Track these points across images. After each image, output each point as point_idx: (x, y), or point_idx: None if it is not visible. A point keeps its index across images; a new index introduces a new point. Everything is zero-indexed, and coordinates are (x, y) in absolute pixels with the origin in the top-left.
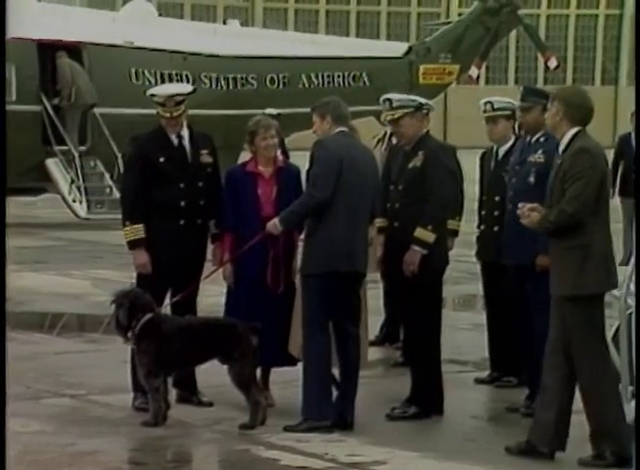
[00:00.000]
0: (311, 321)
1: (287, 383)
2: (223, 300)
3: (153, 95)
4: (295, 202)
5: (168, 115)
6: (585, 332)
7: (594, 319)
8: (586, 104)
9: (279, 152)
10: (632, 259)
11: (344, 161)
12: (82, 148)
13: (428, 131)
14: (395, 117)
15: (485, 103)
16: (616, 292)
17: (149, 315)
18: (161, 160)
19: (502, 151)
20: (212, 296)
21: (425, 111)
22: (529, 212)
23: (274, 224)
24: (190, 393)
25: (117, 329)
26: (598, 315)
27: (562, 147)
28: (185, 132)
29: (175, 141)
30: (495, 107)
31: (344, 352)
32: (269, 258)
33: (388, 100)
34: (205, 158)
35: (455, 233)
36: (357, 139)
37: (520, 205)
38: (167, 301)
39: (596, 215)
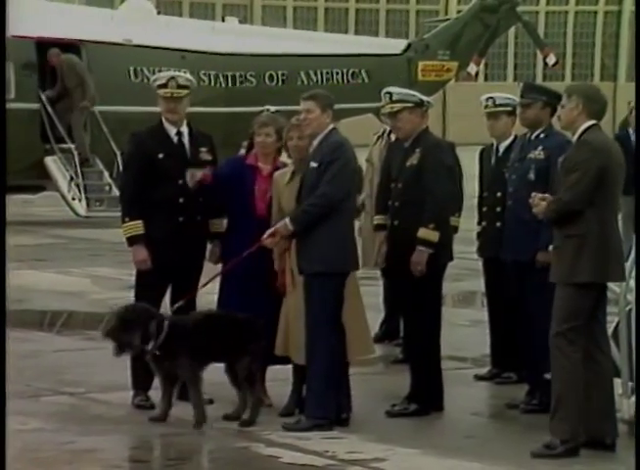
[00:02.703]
0: (324, 320)
1: (286, 381)
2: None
3: (156, 79)
4: (306, 202)
5: (169, 94)
6: (573, 320)
7: (585, 309)
8: (603, 98)
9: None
10: (631, 256)
11: (356, 164)
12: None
13: (427, 128)
14: (394, 110)
15: (487, 99)
16: (616, 288)
17: (167, 321)
18: (160, 156)
19: (502, 147)
20: (212, 293)
21: (425, 108)
22: (539, 202)
23: (285, 225)
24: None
25: (134, 349)
26: (591, 305)
27: (574, 139)
28: (185, 129)
29: (175, 138)
30: (497, 103)
31: None
32: (277, 264)
33: (389, 93)
34: (205, 155)
35: (455, 229)
36: None
37: (532, 194)
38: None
39: (595, 206)
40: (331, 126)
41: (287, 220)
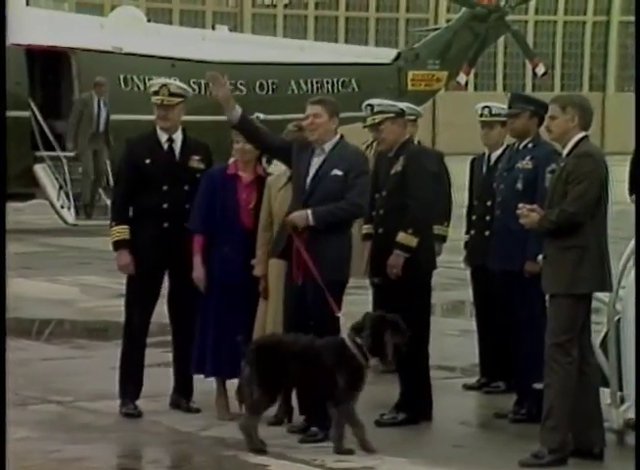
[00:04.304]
0: (330, 330)
1: None
2: None
3: (150, 86)
4: (334, 204)
5: (160, 101)
6: (570, 331)
7: (581, 320)
8: (592, 109)
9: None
10: (620, 265)
11: None
12: (71, 154)
13: (410, 137)
14: (376, 121)
15: (483, 107)
16: (604, 298)
17: None
18: (147, 161)
19: (494, 156)
20: None
21: (413, 117)
22: (529, 212)
23: (306, 215)
24: (185, 398)
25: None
26: (585, 316)
27: (566, 151)
28: (178, 136)
29: (165, 144)
30: (493, 112)
31: None
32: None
33: (370, 105)
34: (196, 163)
35: (443, 239)
36: None
37: (520, 205)
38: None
39: (593, 218)
40: (340, 134)
41: (308, 212)
